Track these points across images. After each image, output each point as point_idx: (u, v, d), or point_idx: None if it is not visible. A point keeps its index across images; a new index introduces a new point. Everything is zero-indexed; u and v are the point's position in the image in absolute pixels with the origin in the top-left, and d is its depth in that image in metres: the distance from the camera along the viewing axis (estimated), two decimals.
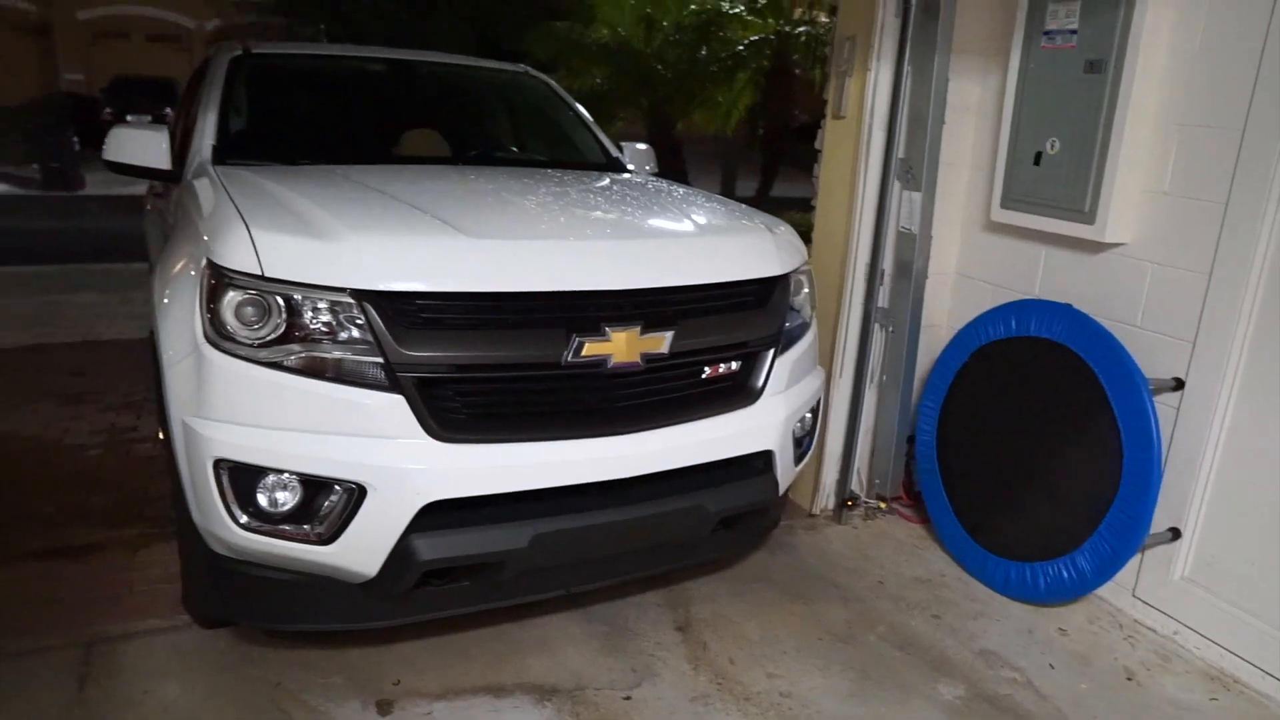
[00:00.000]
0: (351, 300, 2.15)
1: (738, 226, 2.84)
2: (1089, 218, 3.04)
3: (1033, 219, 3.27)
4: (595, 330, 2.28)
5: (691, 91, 6.74)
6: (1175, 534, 2.93)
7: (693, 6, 6.48)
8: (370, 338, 2.15)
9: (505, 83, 4.30)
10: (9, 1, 23.24)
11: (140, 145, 3.19)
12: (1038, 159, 3.21)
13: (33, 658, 2.62)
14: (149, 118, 17.59)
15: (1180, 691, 2.75)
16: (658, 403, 2.44)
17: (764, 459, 2.67)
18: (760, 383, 2.63)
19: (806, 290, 2.94)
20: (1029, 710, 2.63)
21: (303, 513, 2.20)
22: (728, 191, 10.80)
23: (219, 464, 2.19)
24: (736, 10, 6.72)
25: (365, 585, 2.29)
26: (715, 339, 2.51)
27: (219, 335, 2.19)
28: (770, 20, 6.54)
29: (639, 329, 2.33)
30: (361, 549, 2.20)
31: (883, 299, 3.60)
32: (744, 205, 3.21)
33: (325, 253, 2.17)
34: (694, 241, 2.63)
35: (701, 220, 2.79)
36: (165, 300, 2.47)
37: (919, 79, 3.33)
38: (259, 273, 2.16)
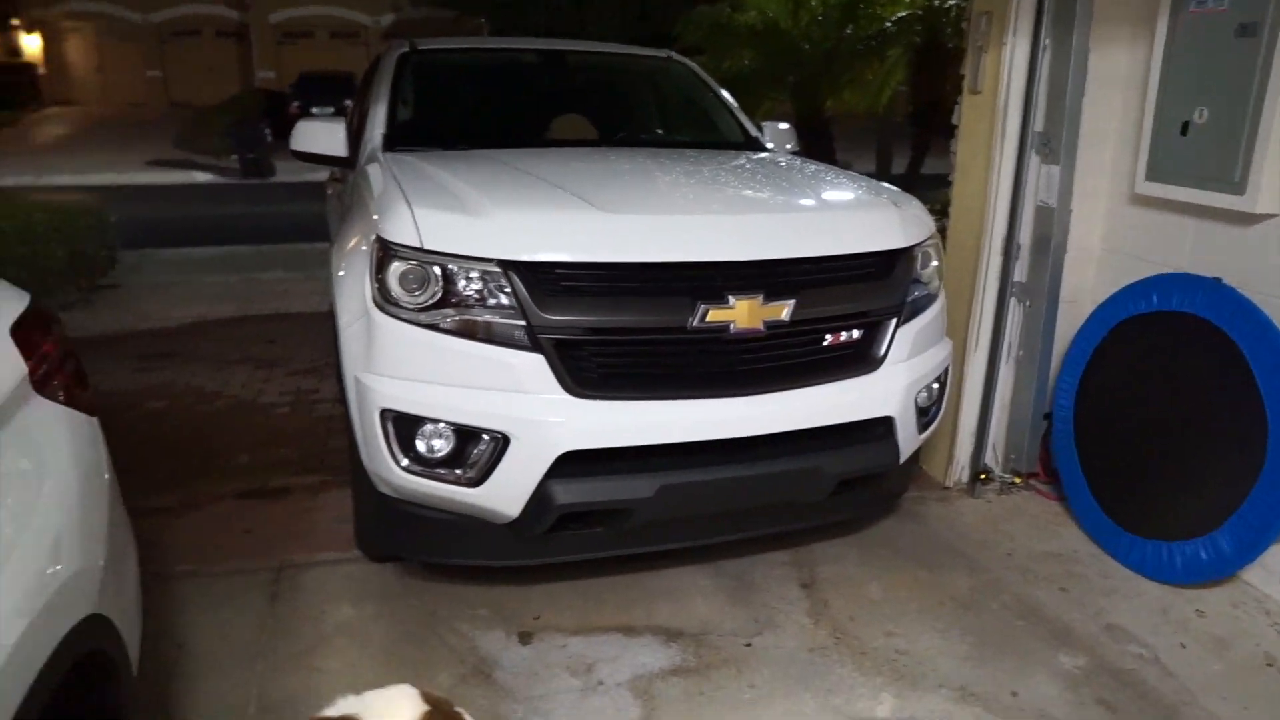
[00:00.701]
0: (499, 270, 2.41)
1: (861, 201, 2.93)
2: (1239, 188, 2.93)
3: (1180, 190, 3.17)
4: (719, 298, 2.44)
5: (838, 70, 6.71)
6: None
7: None
8: (515, 303, 2.40)
9: (651, 68, 4.49)
10: (213, 9, 25.55)
11: (322, 136, 3.59)
12: (1185, 129, 3.11)
13: (233, 577, 3.06)
14: (331, 109, 18.95)
15: None
16: (779, 367, 2.58)
17: (885, 425, 2.76)
18: (882, 351, 2.72)
19: (935, 263, 2.98)
20: (1153, 686, 2.61)
21: (455, 458, 2.49)
22: (881, 169, 10.63)
23: (384, 413, 2.51)
24: None
25: (509, 525, 2.56)
26: (836, 308, 2.62)
27: (385, 300, 2.50)
28: None
29: (761, 297, 2.48)
30: (505, 492, 2.47)
31: (1020, 273, 3.57)
32: (873, 180, 3.28)
33: (476, 227, 2.44)
34: (817, 215, 2.75)
35: (827, 195, 2.89)
36: (341, 273, 2.82)
37: (1058, 51, 3.28)
38: (419, 245, 2.45)
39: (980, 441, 3.73)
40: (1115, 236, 3.57)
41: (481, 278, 2.43)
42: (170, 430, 4.45)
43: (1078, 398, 3.47)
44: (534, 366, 2.41)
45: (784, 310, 2.51)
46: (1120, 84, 3.44)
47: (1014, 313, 3.61)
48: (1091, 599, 3.04)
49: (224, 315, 6.89)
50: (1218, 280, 3.01)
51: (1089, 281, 3.68)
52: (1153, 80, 3.22)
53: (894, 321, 2.74)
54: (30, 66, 25.35)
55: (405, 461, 2.53)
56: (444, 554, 2.78)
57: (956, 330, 3.70)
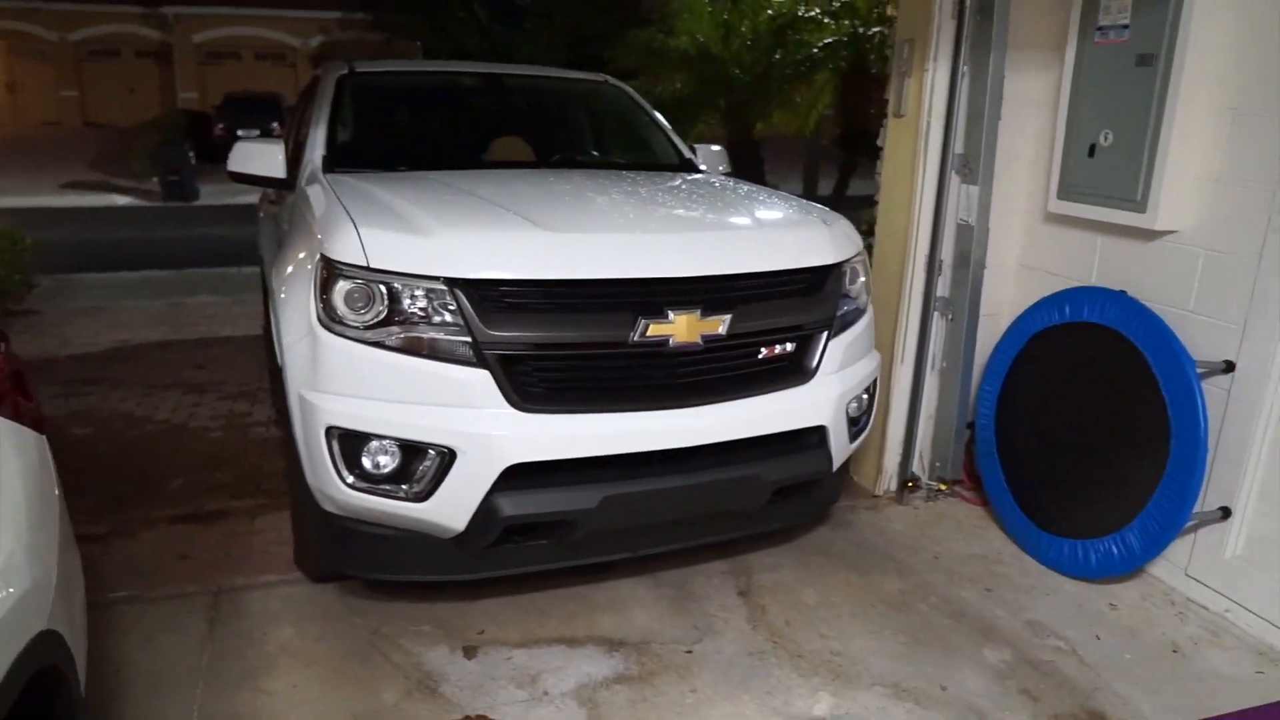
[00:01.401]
0: (444, 287, 2.45)
1: (793, 219, 3.06)
2: (1140, 206, 3.14)
3: (1088, 209, 3.38)
4: (659, 313, 2.53)
5: (768, 94, 6.92)
6: (1226, 513, 3.01)
7: (769, 12, 6.68)
8: (460, 320, 2.45)
9: (587, 92, 4.59)
10: (135, 29, 24.93)
11: (260, 157, 3.58)
12: (1092, 151, 3.32)
13: (171, 602, 3.02)
14: (257, 131, 18.60)
15: (1225, 665, 2.83)
16: (717, 379, 2.67)
17: (818, 434, 2.88)
18: (814, 363, 2.84)
19: (863, 279, 3.12)
20: (1070, 675, 2.76)
21: (401, 473, 2.52)
22: (808, 189, 10.92)
23: (330, 430, 2.52)
24: (812, 13, 6.87)
25: (455, 540, 2.60)
26: (770, 322, 2.73)
27: (330, 319, 2.52)
28: (845, 23, 6.66)
29: (699, 312, 2.57)
30: (451, 506, 2.50)
31: (943, 288, 3.75)
32: (803, 200, 3.41)
33: (422, 246, 2.49)
34: (751, 233, 2.86)
35: (760, 214, 3.01)
36: (283, 293, 2.83)
37: (976, 77, 3.47)
38: (365, 264, 2.49)
39: (907, 451, 3.89)
40: (1031, 253, 3.78)
41: (427, 295, 2.47)
42: (99, 456, 4.35)
43: (998, 406, 3.65)
44: (479, 382, 2.45)
45: (721, 324, 2.61)
46: (1035, 107, 3.65)
47: (937, 326, 3.78)
48: (1013, 597, 3.20)
49: (150, 340, 6.73)
50: (1118, 292, 3.21)
51: (1008, 295, 3.88)
52: (1062, 104, 3.44)
53: (825, 334, 2.86)
54: None
55: (351, 479, 2.55)
56: (389, 570, 2.79)
57: (884, 344, 3.86)
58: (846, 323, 2.98)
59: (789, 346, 2.80)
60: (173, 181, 15.63)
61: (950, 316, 3.74)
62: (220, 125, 20.54)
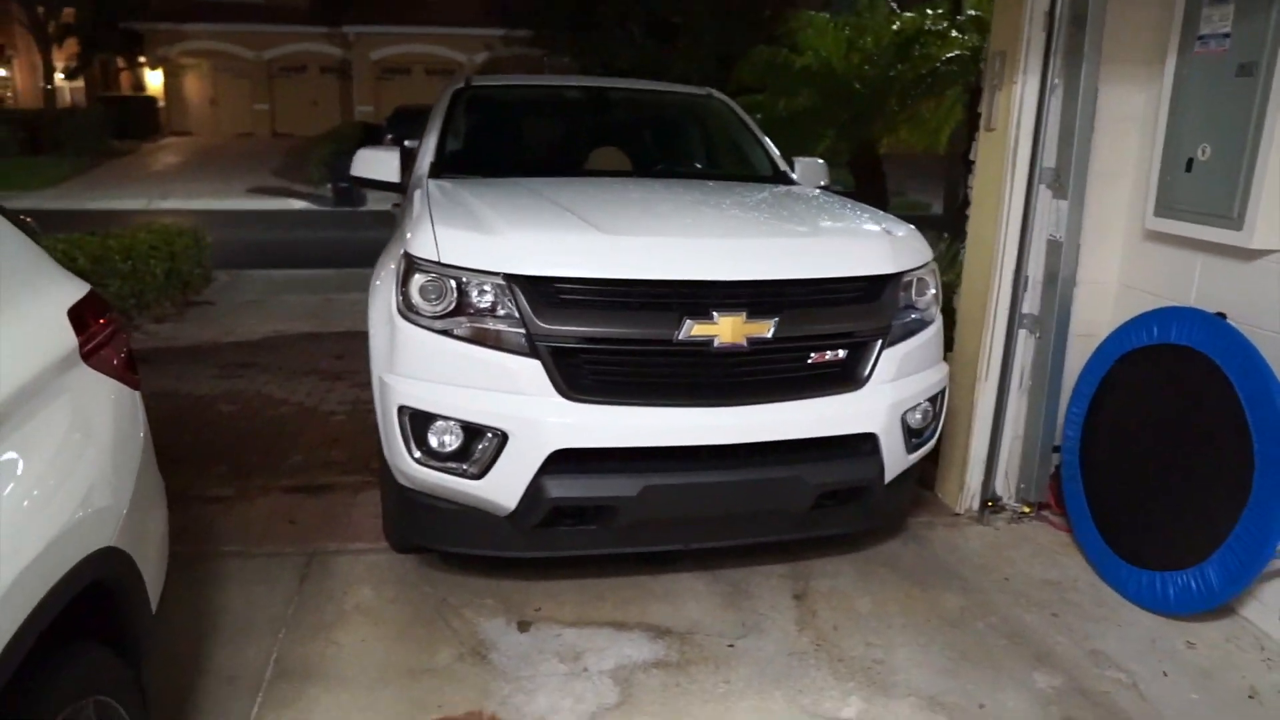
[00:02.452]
0: (504, 282, 2.66)
1: (853, 229, 3.09)
2: (1237, 223, 2.99)
3: (1184, 226, 3.24)
4: (704, 314, 2.64)
5: (891, 109, 6.83)
6: None
7: (894, 26, 6.60)
8: (516, 313, 2.64)
9: (691, 105, 4.73)
10: (319, 47, 27.07)
11: (378, 163, 3.93)
12: (1189, 165, 3.18)
13: (271, 559, 3.36)
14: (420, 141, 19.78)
15: None
16: (762, 380, 2.75)
17: (869, 441, 2.89)
18: (866, 370, 2.87)
19: (931, 290, 3.12)
20: (1124, 708, 2.65)
21: (461, 452, 2.73)
22: (948, 206, 10.62)
23: (402, 409, 2.77)
24: (939, 27, 6.72)
25: (509, 517, 2.79)
26: (820, 328, 2.78)
27: (407, 308, 2.77)
28: (971, 36, 6.49)
29: (744, 315, 2.66)
30: (504, 484, 2.70)
31: (1030, 306, 3.66)
32: (879, 212, 3.43)
33: (486, 244, 2.70)
34: (806, 241, 2.92)
35: (822, 223, 3.07)
36: (376, 283, 3.12)
37: (1068, 89, 3.39)
38: (437, 259, 2.72)
39: (990, 470, 3.80)
40: (1130, 271, 3.63)
41: (490, 289, 2.68)
42: (237, 431, 4.84)
43: (1084, 429, 3.53)
44: (531, 371, 2.64)
45: (767, 328, 2.68)
46: (1135, 122, 3.53)
47: (1024, 344, 3.69)
48: (1080, 625, 3.09)
49: (300, 331, 7.36)
50: (1210, 313, 3.05)
51: (1107, 316, 3.73)
52: (1161, 118, 3.31)
53: (880, 343, 2.88)
54: (152, 100, 27.30)
55: (419, 454, 2.79)
56: (451, 542, 3.01)
57: (968, 359, 3.81)
58: (907, 332, 2.98)
59: (840, 353, 2.83)
60: (342, 187, 16.88)
61: (1038, 334, 3.65)
62: (389, 135, 21.90)
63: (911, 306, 3.02)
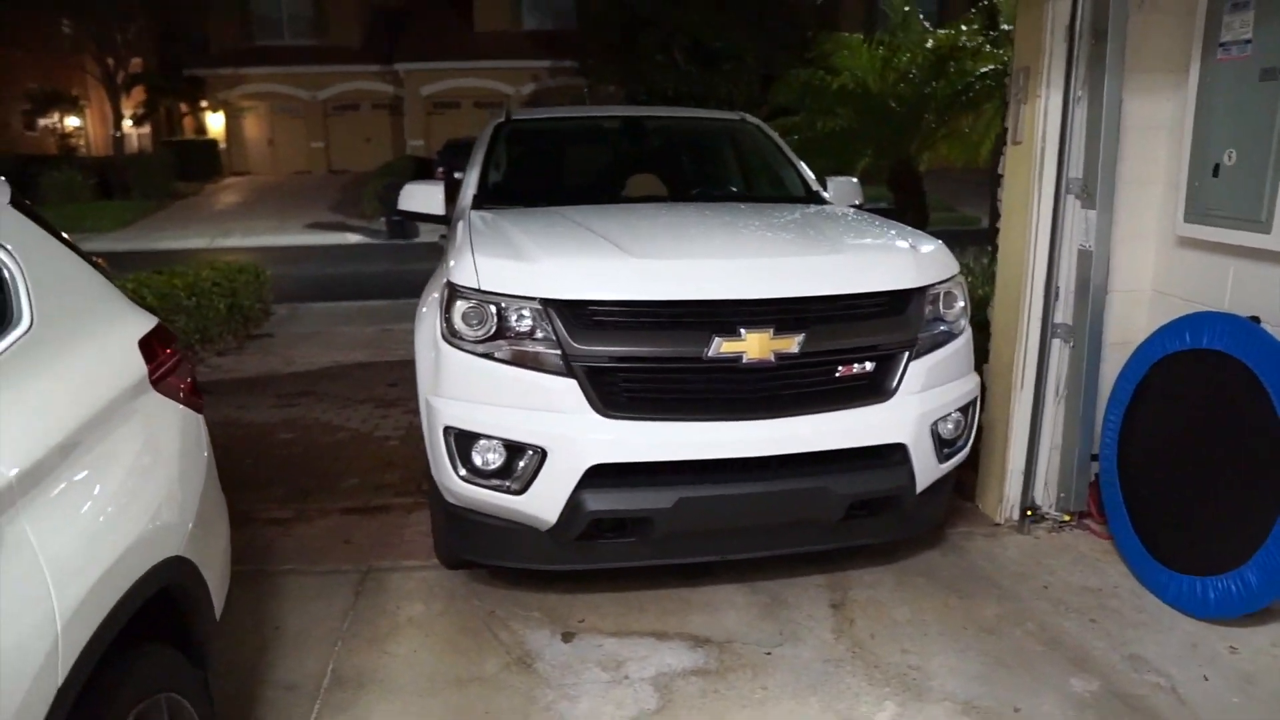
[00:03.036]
0: (540, 306, 2.79)
1: (878, 245, 3.17)
2: (1265, 227, 3.00)
3: (1213, 231, 3.25)
4: (731, 332, 2.74)
5: (927, 126, 6.86)
6: None
7: (929, 44, 6.65)
8: (553, 335, 2.78)
9: (724, 129, 4.86)
10: (372, 84, 27.92)
11: (423, 196, 4.12)
12: (1216, 170, 3.21)
13: (328, 576, 3.53)
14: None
15: None
16: (790, 394, 2.84)
17: (899, 452, 2.96)
18: (894, 382, 2.94)
19: (959, 303, 3.17)
20: (1160, 712, 2.66)
21: (503, 469, 2.86)
22: (993, 220, 10.53)
23: (448, 430, 2.92)
24: (974, 43, 6.75)
25: (550, 532, 2.90)
26: (846, 342, 2.87)
27: (450, 334, 2.92)
28: (1005, 50, 6.48)
29: (771, 332, 2.76)
30: (544, 499, 2.82)
31: (1063, 315, 3.68)
32: (907, 228, 3.50)
33: (523, 271, 2.85)
34: (831, 259, 3.01)
35: (847, 240, 3.15)
36: (423, 310, 3.29)
37: (1092, 100, 3.43)
38: (478, 286, 2.87)
39: (1028, 479, 3.82)
40: (1164, 278, 3.64)
41: (527, 314, 2.82)
42: (295, 456, 5.05)
43: (1121, 436, 3.53)
44: (568, 390, 2.76)
45: (793, 343, 2.78)
46: (1163, 130, 3.55)
47: (1059, 353, 3.72)
48: (1120, 631, 3.09)
49: (356, 360, 7.62)
50: (1242, 318, 3.06)
51: (1141, 323, 3.74)
52: (1188, 124, 3.34)
53: (906, 355, 2.95)
54: (213, 142, 28.41)
55: (464, 472, 2.93)
56: (496, 556, 3.14)
57: (1003, 370, 3.84)
58: (934, 344, 3.04)
59: (867, 365, 2.91)
60: (395, 221, 17.31)
61: (1072, 344, 3.67)
62: (440, 168, 22.43)
63: (939, 319, 3.08)
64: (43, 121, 26.77)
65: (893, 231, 3.33)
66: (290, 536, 3.96)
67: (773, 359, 2.77)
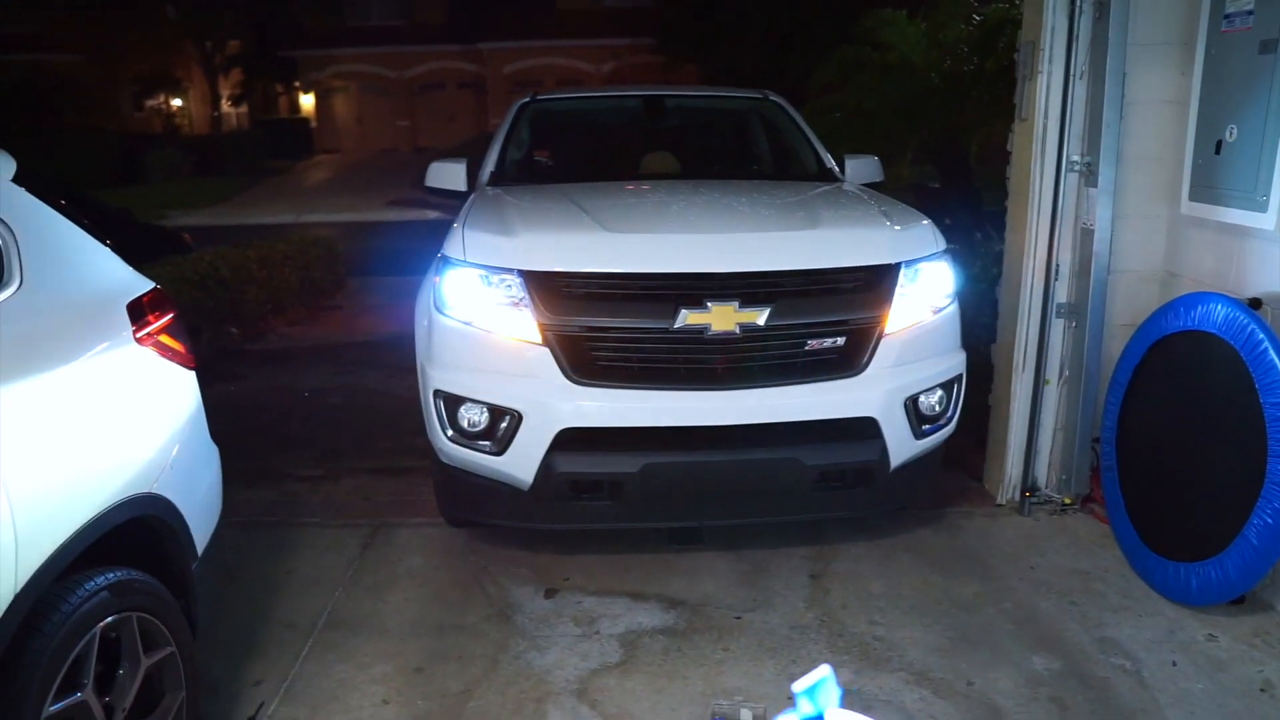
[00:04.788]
0: (518, 278, 2.93)
1: (858, 222, 3.20)
2: (1263, 205, 2.93)
3: (1216, 210, 3.18)
4: (698, 304, 2.83)
5: (976, 103, 6.66)
6: None
7: (976, 18, 6.46)
8: (529, 304, 2.91)
9: (746, 108, 4.89)
10: (456, 64, 28.50)
11: (448, 174, 4.29)
12: (1219, 148, 3.12)
13: (343, 530, 3.77)
14: None
15: None
16: (757, 366, 2.91)
17: (870, 425, 3.00)
18: (865, 357, 2.97)
19: (940, 279, 3.18)
20: (1119, 694, 2.66)
21: (486, 431, 3.02)
22: None
23: (437, 393, 3.09)
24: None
25: (530, 491, 3.05)
26: (814, 316, 2.92)
27: (440, 303, 3.09)
28: None
29: (736, 305, 2.83)
30: (521, 460, 2.97)
31: (1067, 295, 3.64)
32: (897, 204, 3.50)
33: (504, 244, 2.99)
34: (804, 234, 3.06)
35: (829, 216, 3.19)
36: (423, 284, 3.47)
37: (1095, 77, 3.37)
38: (464, 258, 3.03)
39: (1029, 460, 3.79)
40: (1173, 258, 3.56)
41: (506, 284, 2.96)
42: (338, 420, 5.35)
43: (1120, 418, 3.48)
44: (543, 357, 2.90)
45: (760, 316, 2.84)
46: (1170, 106, 3.46)
47: (1062, 334, 3.67)
48: (1098, 614, 3.08)
49: (402, 331, 7.90)
50: (1232, 298, 2.99)
51: (1152, 304, 3.65)
52: (1193, 100, 3.25)
53: (878, 330, 2.98)
54: (305, 121, 29.54)
55: (451, 433, 3.10)
56: (486, 514, 3.32)
57: (1007, 349, 3.82)
58: (911, 320, 3.06)
59: (838, 340, 2.96)
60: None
61: (1074, 324, 3.62)
62: None
63: (917, 295, 3.10)
64: (149, 103, 28.24)
65: (879, 209, 3.34)
66: (318, 493, 4.22)
67: (738, 331, 2.85)
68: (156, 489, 2.11)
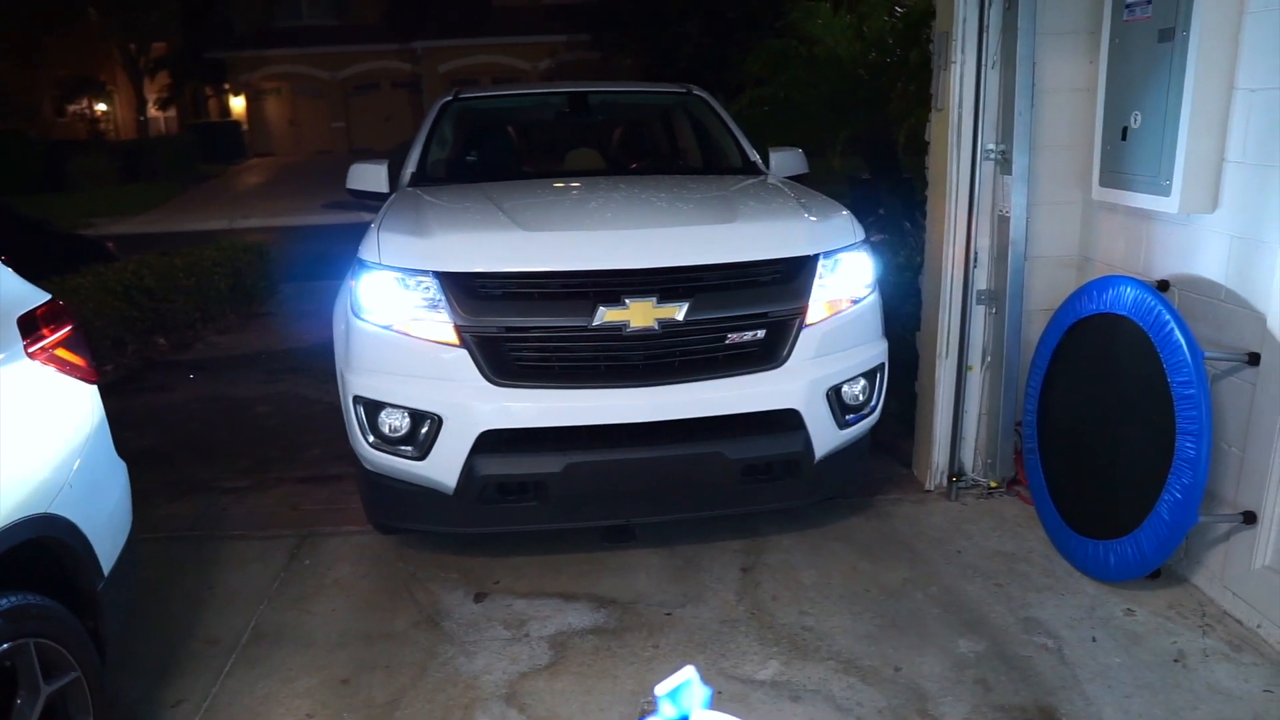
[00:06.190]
0: (434, 280, 2.89)
1: (775, 215, 3.21)
2: (1166, 190, 3.00)
3: (1124, 195, 3.25)
4: (615, 301, 2.81)
5: (900, 95, 6.74)
6: (1250, 518, 2.81)
7: (900, 9, 6.55)
8: (446, 306, 2.87)
9: (671, 103, 4.89)
10: (391, 63, 28.08)
11: (369, 175, 4.21)
12: (1124, 134, 3.19)
13: (269, 541, 3.68)
14: None
15: (1230, 680, 2.65)
16: (678, 362, 2.91)
17: (793, 417, 3.01)
18: (785, 349, 2.99)
19: (859, 269, 3.21)
20: (1040, 672, 2.71)
21: (405, 435, 2.97)
22: None
23: (356, 399, 3.03)
24: None
25: (454, 495, 3.01)
26: (733, 310, 2.92)
27: (357, 307, 3.03)
28: None
29: (654, 300, 2.82)
30: (443, 463, 2.93)
31: (987, 281, 3.70)
32: (818, 197, 3.52)
33: (418, 246, 2.94)
34: (721, 228, 3.06)
35: (746, 209, 3.20)
36: (341, 290, 3.40)
37: (1006, 65, 3.43)
38: (379, 261, 2.97)
39: (954, 446, 3.85)
40: (1089, 243, 3.64)
41: (422, 286, 2.92)
42: (268, 429, 5.22)
43: (1040, 401, 3.55)
44: (461, 359, 2.86)
45: (678, 311, 2.84)
46: (1081, 93, 3.53)
47: (983, 320, 3.73)
48: (1022, 595, 3.14)
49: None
50: (1138, 280, 3.06)
51: (1068, 288, 3.73)
52: (1100, 88, 3.32)
53: (798, 322, 3.00)
54: (236, 124, 28.86)
55: (372, 439, 3.05)
56: (412, 520, 3.27)
57: (930, 337, 3.87)
58: (830, 311, 3.08)
59: (758, 333, 2.96)
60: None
61: (994, 311, 3.69)
62: None
63: (836, 286, 3.12)
64: (72, 107, 27.35)
65: (797, 202, 3.36)
66: (245, 503, 4.12)
67: (656, 327, 2.84)
68: (54, 509, 2.02)
